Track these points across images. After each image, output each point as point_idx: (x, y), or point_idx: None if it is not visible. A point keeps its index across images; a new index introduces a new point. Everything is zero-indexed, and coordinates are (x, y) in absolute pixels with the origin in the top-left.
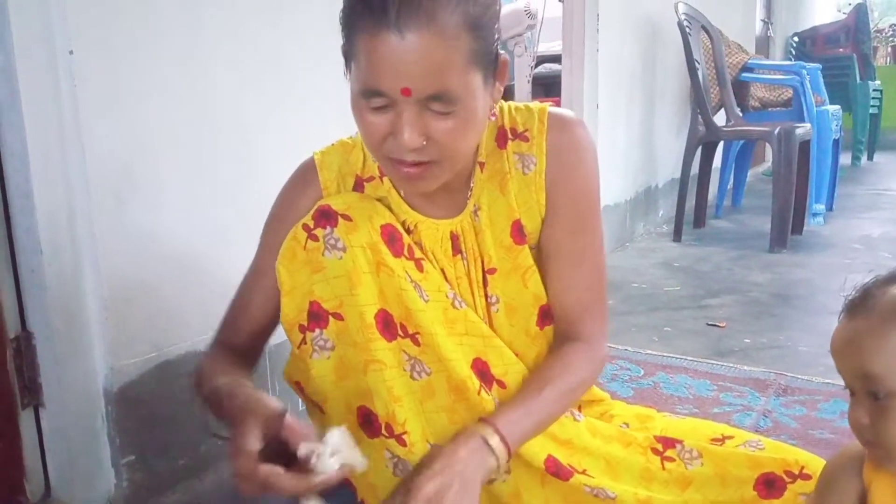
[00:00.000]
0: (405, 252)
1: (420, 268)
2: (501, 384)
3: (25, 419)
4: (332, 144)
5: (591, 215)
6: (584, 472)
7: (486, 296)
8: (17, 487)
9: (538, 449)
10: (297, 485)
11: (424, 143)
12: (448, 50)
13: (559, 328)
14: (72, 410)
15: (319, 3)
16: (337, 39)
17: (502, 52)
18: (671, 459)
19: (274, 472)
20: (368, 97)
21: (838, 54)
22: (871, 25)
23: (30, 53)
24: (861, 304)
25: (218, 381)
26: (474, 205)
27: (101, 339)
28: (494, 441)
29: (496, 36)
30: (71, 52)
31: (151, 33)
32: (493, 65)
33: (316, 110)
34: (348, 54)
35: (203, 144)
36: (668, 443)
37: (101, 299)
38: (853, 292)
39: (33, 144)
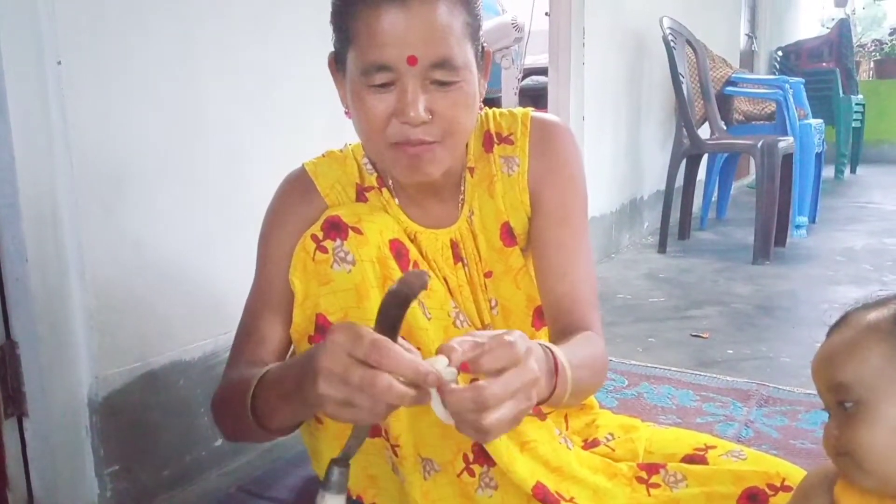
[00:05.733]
0: (410, 268)
1: None
2: None
3: (8, 429)
4: (321, 156)
5: (578, 207)
6: (571, 501)
7: (488, 300)
8: None
9: (527, 475)
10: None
11: (430, 118)
12: (448, 16)
13: (560, 323)
14: (56, 420)
15: (308, 16)
16: (325, 52)
17: (486, 44)
18: (656, 486)
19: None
20: (372, 74)
21: (821, 68)
22: (854, 40)
23: (18, 63)
24: (838, 325)
25: (256, 376)
26: (469, 210)
27: (86, 348)
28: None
29: (481, 22)
30: (59, 63)
31: (141, 43)
32: (481, 51)
33: (304, 122)
34: (344, 45)
35: (191, 154)
36: (652, 469)
37: (87, 308)
38: (835, 319)
39: (20, 153)
